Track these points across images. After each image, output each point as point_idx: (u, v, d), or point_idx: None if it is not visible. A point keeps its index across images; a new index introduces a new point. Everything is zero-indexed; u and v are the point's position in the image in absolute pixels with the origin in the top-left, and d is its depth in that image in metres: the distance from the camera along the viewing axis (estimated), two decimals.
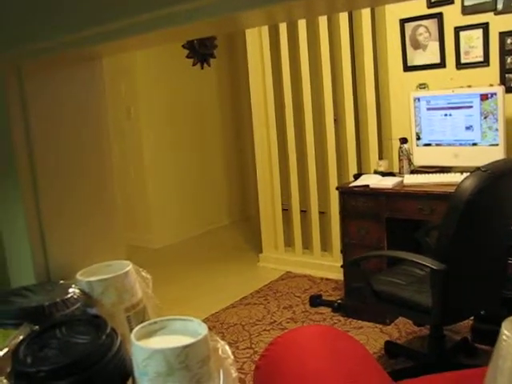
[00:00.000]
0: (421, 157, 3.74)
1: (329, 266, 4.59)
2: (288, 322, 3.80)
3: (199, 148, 6.37)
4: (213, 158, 6.57)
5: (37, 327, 0.89)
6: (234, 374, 0.82)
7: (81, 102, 1.11)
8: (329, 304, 4.02)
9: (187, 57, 5.90)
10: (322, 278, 4.59)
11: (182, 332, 0.80)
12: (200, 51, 5.25)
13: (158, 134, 5.95)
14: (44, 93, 1.06)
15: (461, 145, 3.57)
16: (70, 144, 1.11)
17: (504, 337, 0.73)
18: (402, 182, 3.57)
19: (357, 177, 3.92)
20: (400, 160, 3.79)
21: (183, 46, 5.15)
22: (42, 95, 1.06)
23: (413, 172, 3.74)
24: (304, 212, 4.90)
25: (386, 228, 3.57)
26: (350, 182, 3.84)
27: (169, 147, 6.04)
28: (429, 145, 3.70)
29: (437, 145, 3.67)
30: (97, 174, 1.15)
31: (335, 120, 4.48)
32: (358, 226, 3.67)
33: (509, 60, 3.52)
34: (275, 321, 3.81)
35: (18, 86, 1.01)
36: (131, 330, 0.85)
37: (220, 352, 0.82)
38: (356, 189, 3.69)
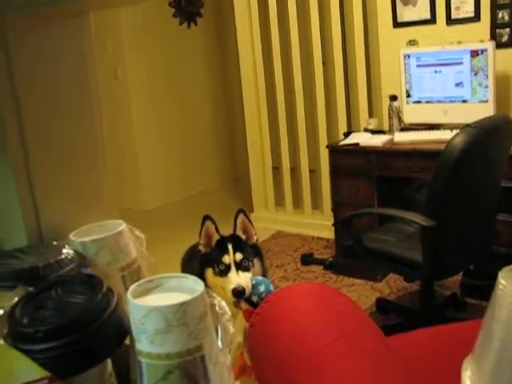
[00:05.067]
0: (411, 114, 3.73)
1: (320, 225, 4.61)
2: (280, 281, 3.84)
3: (188, 108, 6.31)
4: (201, 118, 6.52)
5: (32, 288, 0.89)
6: (232, 329, 0.83)
7: (68, 58, 1.09)
8: (320, 262, 4.05)
9: (174, 16, 5.80)
10: (313, 237, 4.62)
11: (178, 289, 0.81)
12: (186, 9, 5.16)
13: (146, 95, 5.88)
14: (30, 49, 1.03)
15: (451, 102, 3.56)
16: (60, 102, 1.09)
17: (500, 286, 0.73)
18: (391, 139, 3.57)
19: (347, 135, 3.91)
20: (390, 118, 3.78)
21: (170, 4, 5.05)
22: (28, 51, 1.03)
23: (403, 130, 3.73)
24: (294, 171, 4.90)
25: (376, 186, 3.58)
26: (340, 141, 3.83)
27: (157, 107, 5.98)
28: (419, 102, 3.68)
29: (427, 102, 3.65)
30: (88, 134, 1.14)
31: (324, 72, 4.45)
32: (348, 185, 3.68)
33: (500, 15, 3.48)
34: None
35: (2, 42, 0.99)
36: (126, 289, 0.85)
37: (217, 308, 0.83)
38: (346, 147, 3.68)
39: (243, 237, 2.03)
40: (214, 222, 1.99)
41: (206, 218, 1.99)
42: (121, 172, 5.88)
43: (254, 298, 1.88)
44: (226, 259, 1.94)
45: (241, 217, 2.02)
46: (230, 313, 0.82)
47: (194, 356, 0.77)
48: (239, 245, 1.98)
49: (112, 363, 0.85)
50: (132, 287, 0.82)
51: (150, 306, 0.76)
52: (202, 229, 2.00)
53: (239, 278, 1.90)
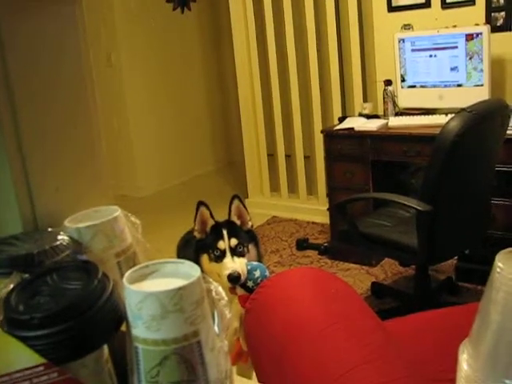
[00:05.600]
0: (405, 99, 3.73)
1: (315, 210, 4.62)
2: (275, 266, 3.85)
3: (182, 94, 6.29)
4: (196, 103, 6.50)
5: (27, 275, 0.88)
6: (228, 315, 0.83)
7: (62, 44, 1.08)
8: (315, 247, 4.06)
9: (167, 1, 5.76)
10: (308, 222, 4.63)
11: (174, 275, 0.80)
12: None
13: (141, 81, 5.85)
14: (23, 36, 1.02)
15: (446, 86, 3.55)
16: (54, 88, 1.08)
17: (498, 269, 0.73)
18: (386, 124, 3.57)
19: (341, 120, 3.91)
20: (385, 102, 3.77)
21: None
22: (21, 38, 1.02)
23: (397, 114, 3.73)
24: (289, 157, 4.90)
25: (371, 171, 3.58)
26: (335, 126, 3.83)
27: (151, 93, 5.95)
28: (413, 86, 3.68)
29: (421, 86, 3.65)
30: (83, 120, 1.13)
31: (319, 57, 4.43)
32: (343, 169, 3.68)
33: None
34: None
35: None
36: (122, 275, 0.85)
37: (213, 293, 0.83)
38: (341, 132, 3.68)
39: (238, 222, 2.03)
40: (208, 208, 1.99)
41: (201, 203, 1.99)
42: (115, 159, 5.87)
43: (250, 284, 1.88)
44: (221, 245, 1.94)
45: (235, 202, 2.02)
46: (226, 298, 0.82)
47: (191, 342, 0.77)
48: (234, 230, 1.99)
49: (108, 349, 0.85)
50: (128, 273, 0.82)
51: (145, 292, 0.76)
52: (196, 215, 2.00)
53: (234, 264, 1.90)
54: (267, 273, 1.94)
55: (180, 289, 0.74)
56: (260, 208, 4.92)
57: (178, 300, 0.74)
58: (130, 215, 1.07)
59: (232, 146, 6.78)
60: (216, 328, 0.80)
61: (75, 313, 0.78)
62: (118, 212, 1.03)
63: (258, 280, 1.87)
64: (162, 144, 6.12)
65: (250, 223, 2.06)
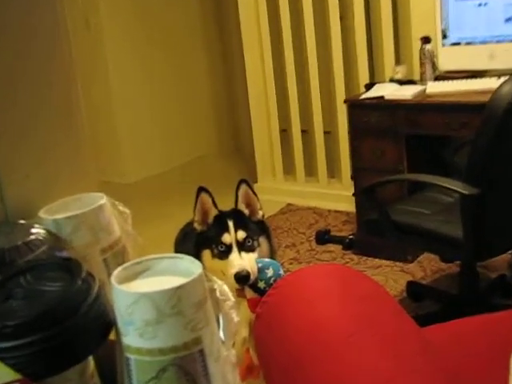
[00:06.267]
0: (448, 59, 3.70)
1: (337, 196, 4.62)
2: (291, 263, 3.86)
3: (177, 61, 6.26)
4: (194, 71, 6.47)
5: None
6: (236, 318, 0.84)
7: (36, 7, 1.09)
8: (339, 240, 4.07)
9: None
10: (329, 210, 4.63)
11: (171, 272, 0.82)
12: None
13: (126, 48, 5.83)
14: None
15: (498, 42, 3.52)
16: (26, 56, 1.09)
17: None
18: (424, 91, 3.56)
19: (369, 87, 3.90)
20: (422, 64, 3.75)
21: None
22: None
23: (438, 78, 3.71)
24: (306, 132, 4.90)
25: (405, 147, 3.58)
26: (361, 94, 3.83)
27: (140, 64, 5.94)
28: (457, 44, 3.65)
29: (467, 43, 3.62)
30: (60, 91, 1.14)
31: (341, 18, 4.41)
32: (371, 147, 3.68)
33: None
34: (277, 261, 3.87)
35: None
36: (110, 274, 0.86)
37: (218, 293, 0.84)
38: (368, 101, 3.67)
39: (246, 212, 2.04)
40: (210, 195, 2.00)
41: (201, 189, 2.00)
42: (96, 138, 5.87)
43: (261, 284, 1.89)
44: (227, 238, 1.95)
45: (243, 188, 2.03)
46: (233, 299, 0.84)
47: (192, 350, 0.78)
48: (242, 221, 2.00)
49: (94, 361, 0.86)
50: (116, 271, 0.83)
51: (138, 293, 0.78)
52: (196, 203, 2.01)
53: (242, 261, 1.91)
54: (282, 271, 1.95)
55: (178, 288, 0.76)
56: (272, 194, 4.92)
57: (177, 301, 0.76)
58: (118, 204, 1.08)
59: (239, 121, 6.76)
60: (221, 334, 0.82)
61: (55, 319, 0.79)
62: (103, 200, 1.04)
63: (271, 280, 1.88)
64: (153, 120, 6.11)
65: (260, 212, 2.07)
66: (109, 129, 5.93)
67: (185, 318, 0.77)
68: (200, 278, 0.79)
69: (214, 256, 1.96)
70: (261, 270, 1.91)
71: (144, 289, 0.78)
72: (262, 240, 2.03)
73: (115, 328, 0.82)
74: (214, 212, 2.01)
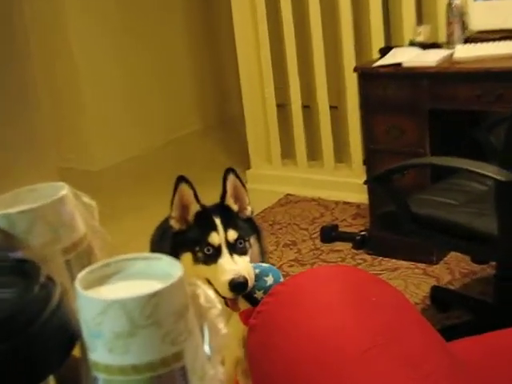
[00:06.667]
0: (480, 17, 3.70)
1: (346, 184, 4.63)
2: (291, 266, 3.88)
3: (152, 25, 6.26)
4: (171, 31, 6.47)
5: None
6: (223, 329, 0.85)
7: None
8: (349, 237, 4.09)
9: None
10: (337, 202, 4.65)
11: (146, 275, 0.83)
12: None
13: (92, 15, 5.83)
14: None
15: None
16: None
17: None
18: (451, 56, 3.56)
19: (384, 52, 3.90)
20: (449, 24, 3.75)
21: None
22: None
23: (468, 41, 3.71)
24: (308, 108, 4.90)
25: (428, 125, 3.59)
26: (375, 60, 3.83)
27: (109, 32, 5.93)
28: None
29: None
30: (12, 68, 1.15)
31: None
32: (387, 124, 3.69)
33: None
34: (273, 264, 3.86)
35: None
36: (73, 278, 0.87)
37: (202, 300, 0.85)
38: (383, 69, 3.68)
39: (235, 207, 2.05)
40: (192, 186, 2.00)
41: (181, 179, 1.99)
42: (58, 118, 5.87)
43: (259, 295, 1.89)
44: (215, 239, 1.95)
45: (231, 179, 2.03)
46: (220, 306, 0.85)
47: (172, 367, 0.79)
48: (230, 219, 2.00)
49: (56, 381, 0.87)
50: (81, 274, 0.84)
51: (107, 300, 0.78)
52: (174, 196, 2.01)
53: (236, 265, 1.91)
54: (282, 279, 1.95)
55: (155, 294, 0.77)
56: (267, 183, 4.93)
57: (153, 310, 0.77)
58: (83, 195, 1.09)
59: (227, 94, 6.76)
60: (206, 348, 0.83)
61: (7, 332, 0.80)
62: (64, 191, 1.05)
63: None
64: (125, 94, 6.11)
65: (249, 208, 2.08)
66: (74, 108, 5.92)
67: (162, 330, 0.78)
68: (180, 282, 0.80)
69: (196, 260, 1.95)
70: (258, 278, 1.91)
71: (114, 295, 0.78)
72: (253, 241, 2.04)
73: (80, 342, 0.83)
74: (195, 207, 2.00)
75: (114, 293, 0.79)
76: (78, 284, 0.81)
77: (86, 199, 1.10)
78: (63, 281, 0.95)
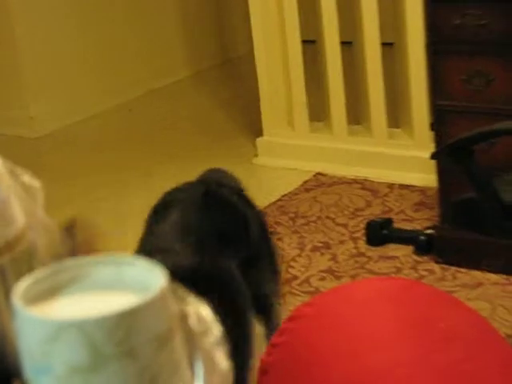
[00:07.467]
0: None
1: (405, 159, 4.64)
2: (322, 279, 3.89)
3: None
4: None
5: None
6: (223, 362, 0.86)
7: None
8: (408, 238, 4.10)
9: None
10: (391, 185, 4.65)
11: (115, 287, 0.83)
12: None
13: None
14: None
15: None
16: None
17: None
18: None
19: None
20: None
21: None
22: None
23: None
24: (348, 44, 4.91)
25: None
26: None
27: None
28: None
29: None
30: None
31: None
32: (466, 69, 3.69)
33: None
34: (296, 276, 3.88)
35: None
36: (8, 289, 0.89)
37: (193, 322, 0.86)
38: None
39: None
40: None
41: None
42: None
43: None
44: None
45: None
46: (219, 330, 0.87)
47: None
48: None
49: None
50: (21, 286, 0.85)
51: (59, 321, 0.79)
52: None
53: None
54: None
55: (128, 313, 0.78)
56: (288, 157, 4.93)
57: (125, 335, 0.78)
58: (21, 172, 1.11)
59: (227, 24, 6.78)
60: None
61: None
62: None
63: None
64: (78, 30, 6.15)
65: None
66: (8, 57, 5.96)
67: (138, 362, 0.79)
68: (162, 295, 0.80)
69: None
70: None
71: (70, 314, 0.79)
72: None
73: (19, 380, 0.84)
74: None
75: (70, 311, 0.80)
76: (16, 299, 0.82)
77: (27, 178, 1.11)
78: None
